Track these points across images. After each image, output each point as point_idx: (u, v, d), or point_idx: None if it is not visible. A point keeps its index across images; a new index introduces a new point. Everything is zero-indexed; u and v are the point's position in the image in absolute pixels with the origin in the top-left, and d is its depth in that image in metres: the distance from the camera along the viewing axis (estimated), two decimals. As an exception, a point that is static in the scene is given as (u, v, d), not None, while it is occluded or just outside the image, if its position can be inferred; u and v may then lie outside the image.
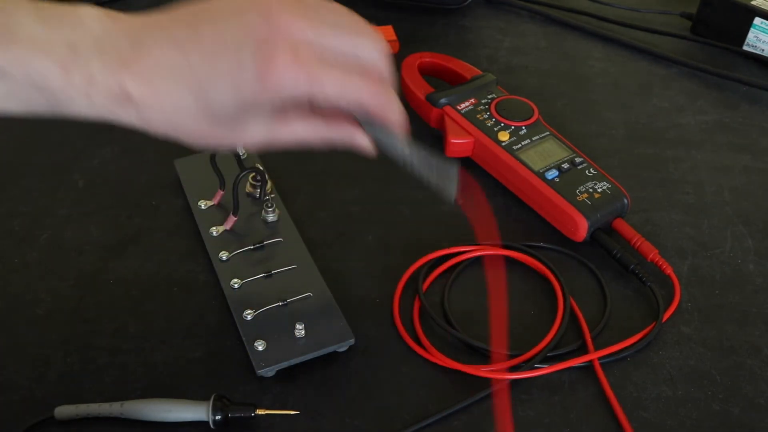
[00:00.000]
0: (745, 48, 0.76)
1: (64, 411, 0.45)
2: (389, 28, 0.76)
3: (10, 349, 0.49)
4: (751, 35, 0.75)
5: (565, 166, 0.58)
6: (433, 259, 0.55)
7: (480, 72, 0.67)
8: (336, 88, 0.38)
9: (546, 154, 0.59)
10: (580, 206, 0.55)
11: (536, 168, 0.58)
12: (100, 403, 0.45)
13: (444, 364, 0.49)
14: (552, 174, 0.57)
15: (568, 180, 0.57)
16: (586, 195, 0.56)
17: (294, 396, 0.47)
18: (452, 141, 0.61)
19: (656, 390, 0.48)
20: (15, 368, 0.48)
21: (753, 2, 0.75)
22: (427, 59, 0.69)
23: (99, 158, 0.63)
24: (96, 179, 0.61)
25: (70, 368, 0.48)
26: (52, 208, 0.59)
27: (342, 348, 0.49)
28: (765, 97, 0.72)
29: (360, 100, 0.39)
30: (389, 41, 0.75)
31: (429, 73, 0.69)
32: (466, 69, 0.67)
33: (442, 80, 0.69)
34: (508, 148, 0.59)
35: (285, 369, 0.48)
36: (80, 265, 0.55)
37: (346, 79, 0.38)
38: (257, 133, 0.41)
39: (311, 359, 0.48)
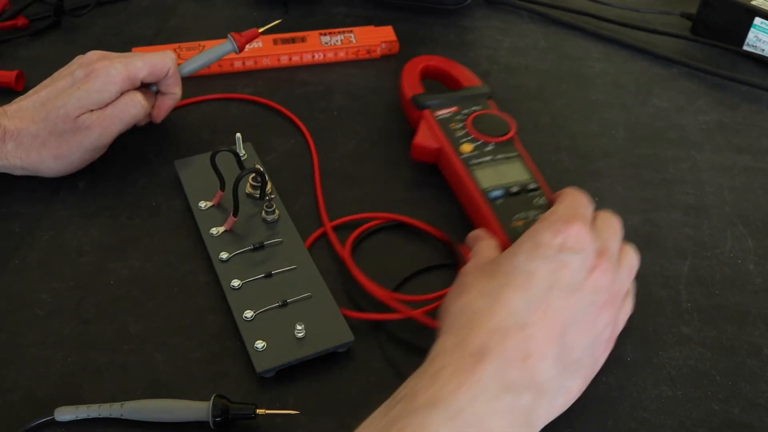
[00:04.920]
0: (745, 48, 0.76)
1: (64, 411, 0.45)
2: (389, 28, 0.76)
3: (10, 349, 0.49)
4: (751, 35, 0.75)
5: (514, 189, 0.55)
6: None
7: (480, 83, 0.65)
8: None
9: (501, 174, 0.56)
10: (510, 232, 0.52)
11: (483, 185, 0.55)
12: (100, 404, 0.45)
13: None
14: (496, 194, 0.55)
15: (510, 204, 0.54)
16: (521, 222, 0.53)
17: (294, 396, 0.47)
18: (416, 143, 0.60)
19: (656, 390, 0.48)
20: (15, 368, 0.48)
21: (753, 2, 0.75)
22: (433, 63, 0.68)
23: (99, 158, 0.63)
24: (96, 180, 0.61)
25: (70, 368, 0.48)
26: (52, 209, 0.59)
27: (342, 348, 0.49)
28: (765, 97, 0.72)
29: None
30: (389, 41, 0.75)
31: (432, 77, 0.68)
32: (466, 77, 0.66)
33: (444, 84, 0.69)
34: (466, 160, 0.57)
35: (285, 369, 0.48)
36: (80, 265, 0.55)
37: None
38: None
39: (311, 359, 0.48)
